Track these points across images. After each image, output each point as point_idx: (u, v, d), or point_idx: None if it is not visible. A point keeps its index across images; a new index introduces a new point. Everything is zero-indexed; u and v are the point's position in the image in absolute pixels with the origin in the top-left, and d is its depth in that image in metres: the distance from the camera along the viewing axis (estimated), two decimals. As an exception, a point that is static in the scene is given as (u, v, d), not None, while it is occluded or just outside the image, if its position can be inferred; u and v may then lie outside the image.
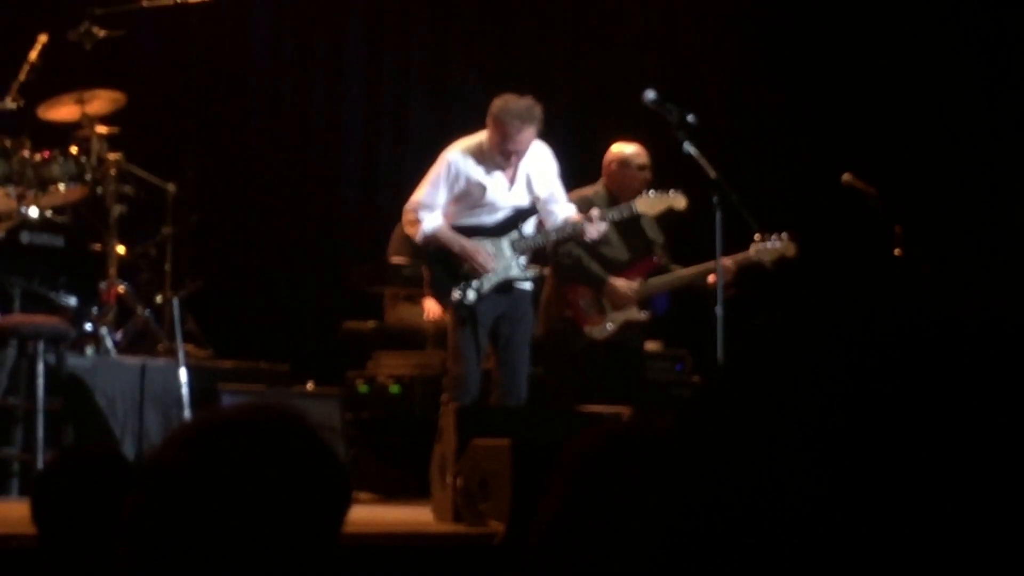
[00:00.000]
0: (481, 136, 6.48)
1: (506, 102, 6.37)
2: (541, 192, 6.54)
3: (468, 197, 6.45)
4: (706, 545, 0.90)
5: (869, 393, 0.90)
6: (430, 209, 6.46)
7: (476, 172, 6.43)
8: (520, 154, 6.40)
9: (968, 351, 0.90)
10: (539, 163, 6.54)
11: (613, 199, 7.00)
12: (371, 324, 8.16)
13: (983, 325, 0.91)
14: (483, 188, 6.44)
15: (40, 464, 6.17)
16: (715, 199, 6.29)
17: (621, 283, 7.05)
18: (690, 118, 6.33)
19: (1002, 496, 0.87)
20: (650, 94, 6.41)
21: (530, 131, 6.35)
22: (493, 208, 6.49)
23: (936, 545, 0.86)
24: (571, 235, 6.61)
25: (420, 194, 6.50)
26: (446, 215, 6.49)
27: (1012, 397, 0.88)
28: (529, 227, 6.57)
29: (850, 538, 0.86)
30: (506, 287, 6.50)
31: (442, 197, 6.45)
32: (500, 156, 6.39)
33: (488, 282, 6.46)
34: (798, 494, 0.88)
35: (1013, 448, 0.88)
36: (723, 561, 0.89)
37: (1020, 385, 0.88)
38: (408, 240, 7.96)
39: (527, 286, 6.60)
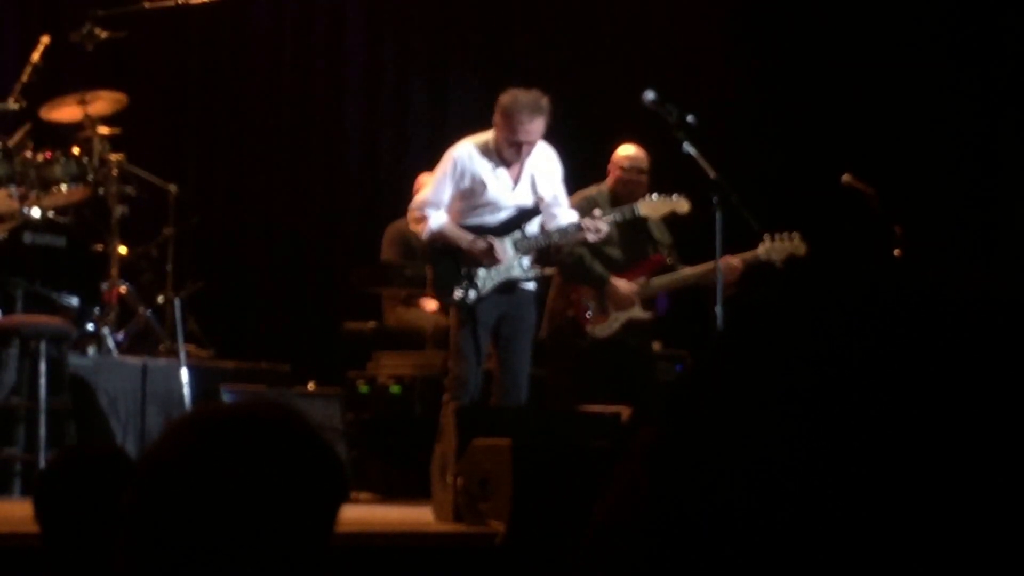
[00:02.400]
0: (487, 135, 6.50)
1: (514, 95, 6.40)
2: (545, 194, 6.55)
3: (472, 195, 6.46)
4: (695, 539, 0.88)
5: (871, 375, 0.86)
6: (436, 206, 6.46)
7: (481, 169, 6.44)
8: (530, 146, 6.40)
9: (978, 336, 0.87)
10: (544, 164, 6.55)
11: (616, 200, 7.03)
12: (371, 325, 8.17)
13: (992, 308, 0.88)
14: (485, 185, 6.44)
15: (42, 464, 6.19)
16: (715, 199, 6.31)
17: (622, 283, 7.07)
18: (689, 118, 6.34)
19: (1010, 493, 0.84)
20: (650, 95, 6.43)
21: (539, 122, 6.37)
22: (496, 207, 6.49)
23: (938, 544, 0.84)
24: (573, 236, 6.63)
25: (426, 192, 6.50)
26: (450, 214, 6.49)
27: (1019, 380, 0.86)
28: (532, 227, 6.57)
29: (848, 533, 0.84)
30: (509, 287, 6.50)
31: (448, 194, 6.45)
32: (510, 150, 6.38)
33: (491, 281, 6.46)
34: (793, 485, 0.85)
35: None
36: (712, 555, 0.87)
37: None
38: (399, 242, 8.01)
39: (530, 287, 6.60)
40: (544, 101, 6.38)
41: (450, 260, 6.45)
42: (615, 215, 6.78)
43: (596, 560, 1.36)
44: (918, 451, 0.84)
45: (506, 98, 6.41)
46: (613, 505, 1.47)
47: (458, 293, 6.41)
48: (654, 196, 6.84)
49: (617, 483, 1.49)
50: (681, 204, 6.80)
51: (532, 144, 6.40)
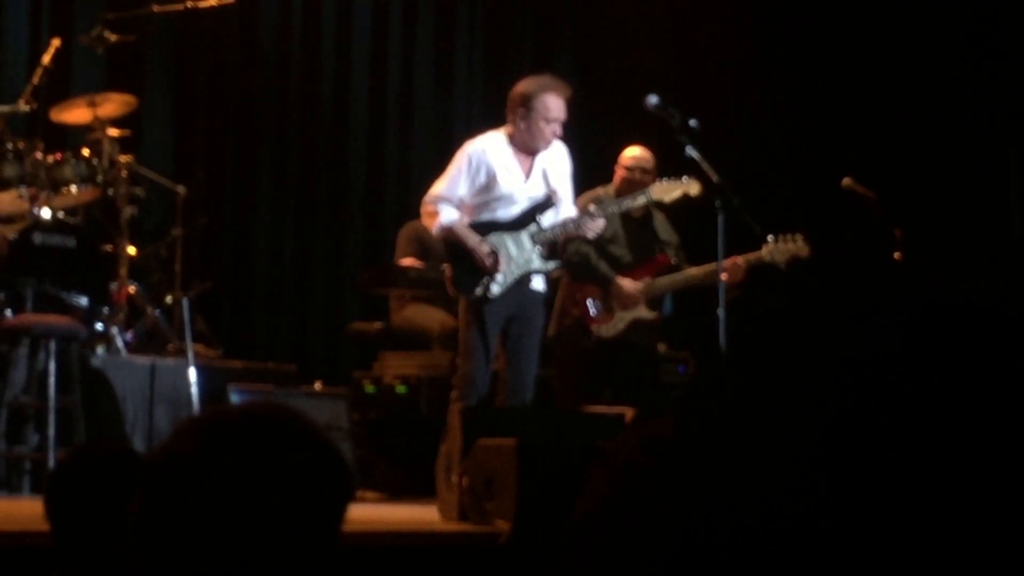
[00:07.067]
0: (498, 131, 6.54)
1: (532, 82, 6.48)
2: (556, 187, 6.60)
3: (486, 190, 6.48)
4: (705, 551, 0.87)
5: (889, 385, 0.84)
6: (449, 202, 6.48)
7: (494, 163, 6.46)
8: (561, 123, 6.44)
9: (991, 345, 0.86)
10: (556, 159, 6.59)
11: (622, 200, 7.07)
12: (377, 325, 8.20)
13: (999, 316, 0.88)
14: (498, 179, 6.46)
15: (51, 463, 6.23)
16: (717, 203, 6.34)
17: (627, 283, 7.10)
18: (692, 122, 6.38)
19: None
20: (653, 99, 6.46)
21: (564, 100, 6.43)
22: (510, 201, 6.51)
23: (951, 548, 0.83)
24: (572, 231, 6.66)
25: (439, 187, 6.52)
26: (465, 210, 6.51)
27: None
28: (547, 219, 6.60)
29: (863, 547, 0.83)
30: (523, 282, 6.51)
31: (462, 190, 6.48)
32: (539, 138, 6.41)
33: (511, 276, 6.47)
34: (808, 497, 0.84)
35: None
36: (723, 568, 0.87)
37: None
38: (414, 242, 8.04)
39: (540, 288, 6.62)
40: (556, 79, 6.50)
41: (469, 257, 6.46)
42: (627, 202, 6.82)
43: (584, 553, 1.39)
44: (931, 457, 0.84)
45: (525, 86, 6.45)
46: (607, 500, 1.50)
47: (479, 290, 6.43)
48: (664, 180, 6.86)
49: (606, 479, 1.52)
50: (692, 186, 6.80)
51: (562, 122, 6.43)
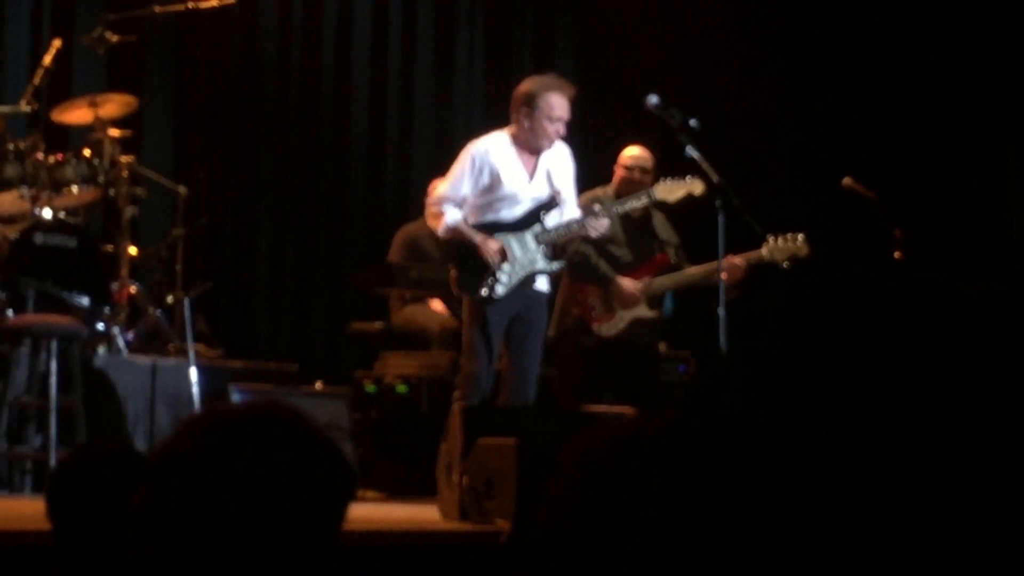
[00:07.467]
0: (502, 132, 6.54)
1: (536, 82, 6.47)
2: (559, 188, 6.60)
3: (489, 191, 6.49)
4: (706, 547, 0.88)
5: (889, 384, 0.85)
6: (453, 202, 6.49)
7: (497, 163, 6.47)
8: (564, 123, 6.45)
9: (998, 339, 0.87)
10: (559, 160, 6.59)
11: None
12: (378, 325, 8.22)
13: (1003, 315, 0.88)
14: (501, 179, 6.47)
15: (53, 462, 6.25)
16: (717, 202, 6.35)
17: (628, 282, 7.12)
18: (692, 122, 6.38)
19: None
20: (653, 99, 6.47)
21: (568, 100, 6.43)
22: (514, 201, 6.51)
23: (953, 553, 0.83)
24: (576, 232, 6.67)
25: (443, 188, 6.52)
26: (470, 210, 6.52)
27: None
28: (551, 220, 6.61)
29: (867, 543, 0.83)
30: (527, 282, 6.52)
31: (466, 190, 6.48)
32: (543, 138, 6.42)
33: (516, 276, 6.48)
34: (807, 494, 0.84)
35: None
36: (724, 563, 0.87)
37: None
38: (408, 244, 8.06)
39: (544, 288, 6.63)
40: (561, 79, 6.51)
41: (474, 258, 6.47)
42: (632, 201, 6.82)
43: (546, 554, 1.39)
44: (931, 454, 0.84)
45: (529, 85, 6.45)
46: (560, 503, 1.50)
47: (484, 290, 6.44)
48: (668, 180, 6.86)
49: (557, 483, 1.52)
50: (696, 185, 6.80)
51: (566, 121, 6.44)
